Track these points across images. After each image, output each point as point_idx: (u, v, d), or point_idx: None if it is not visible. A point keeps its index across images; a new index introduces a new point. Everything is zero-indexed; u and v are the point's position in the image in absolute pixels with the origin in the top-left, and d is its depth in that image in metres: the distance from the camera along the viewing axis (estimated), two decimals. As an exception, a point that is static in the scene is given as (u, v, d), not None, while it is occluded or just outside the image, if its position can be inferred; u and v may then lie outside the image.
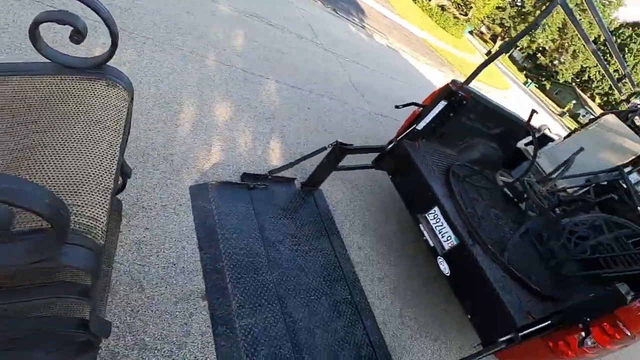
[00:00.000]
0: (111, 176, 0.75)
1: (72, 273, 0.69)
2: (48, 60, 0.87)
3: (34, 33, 0.80)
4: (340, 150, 2.39)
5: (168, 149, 2.17)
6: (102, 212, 0.68)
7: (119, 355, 1.36)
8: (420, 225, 2.29)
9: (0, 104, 0.78)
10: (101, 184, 0.72)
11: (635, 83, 3.18)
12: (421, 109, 2.47)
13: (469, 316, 1.99)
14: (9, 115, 0.77)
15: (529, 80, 39.22)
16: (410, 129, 2.48)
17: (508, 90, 17.59)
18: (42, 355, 0.94)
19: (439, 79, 9.82)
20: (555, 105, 39.33)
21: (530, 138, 3.13)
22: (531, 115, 2.50)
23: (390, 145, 2.55)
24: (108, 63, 0.93)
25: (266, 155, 2.70)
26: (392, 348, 2.12)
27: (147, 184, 1.93)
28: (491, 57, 2.33)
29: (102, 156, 0.76)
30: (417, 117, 2.47)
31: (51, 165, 0.68)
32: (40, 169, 0.69)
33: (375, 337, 2.06)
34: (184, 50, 3.03)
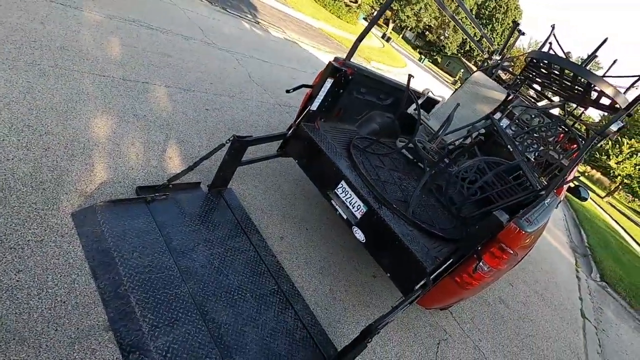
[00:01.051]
0: None
1: None
2: None
3: None
4: (239, 143, 2.33)
5: (37, 178, 1.89)
6: None
7: (2, 421, 1.15)
8: (332, 201, 2.35)
9: None
10: None
11: (493, 42, 3.65)
12: (311, 90, 2.51)
13: (388, 274, 2.12)
14: None
15: (423, 57, 42.97)
16: (305, 111, 2.51)
17: (405, 68, 19.02)
18: None
19: (341, 65, 10.17)
20: (448, 76, 43.78)
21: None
22: (409, 81, 2.71)
23: (291, 131, 2.57)
24: None
25: (164, 164, 2.52)
26: (327, 324, 2.16)
27: (13, 221, 1.66)
28: (362, 33, 2.45)
29: None
30: (310, 99, 2.51)
31: None
32: None
33: (308, 318, 2.08)
34: (42, 65, 2.65)
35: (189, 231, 2.12)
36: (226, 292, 1.92)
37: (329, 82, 2.44)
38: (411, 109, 3.42)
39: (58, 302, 1.49)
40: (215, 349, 1.64)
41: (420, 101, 3.37)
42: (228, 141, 2.31)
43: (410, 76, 2.68)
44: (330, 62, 2.40)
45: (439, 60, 48.67)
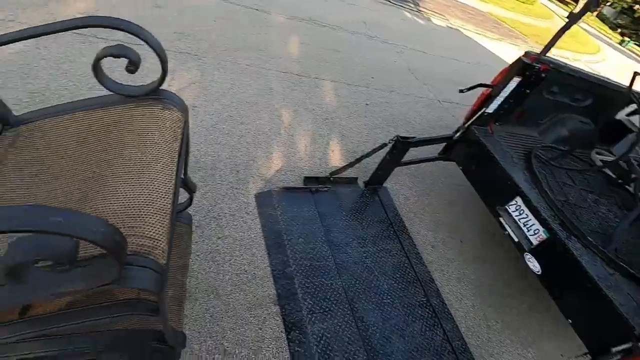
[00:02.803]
0: (169, 196, 0.78)
1: (138, 292, 0.73)
2: (110, 93, 0.94)
3: (96, 69, 0.87)
4: (402, 144, 2.27)
5: (233, 161, 2.27)
6: (162, 233, 0.71)
7: (203, 359, 1.44)
8: (500, 219, 2.05)
9: (74, 138, 0.87)
10: (159, 205, 0.75)
11: None
12: (490, 90, 2.22)
13: (570, 320, 1.73)
14: (81, 147, 0.85)
15: (626, 39, 33.49)
16: (478, 113, 2.24)
17: (598, 54, 15.23)
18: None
19: (511, 54, 8.88)
20: (664, 63, 33.01)
21: (633, 107, 2.63)
22: (633, 79, 2.08)
23: (458, 134, 2.34)
24: (163, 87, 0.98)
25: (326, 157, 2.69)
26: (479, 355, 1.94)
27: (217, 195, 2.04)
28: (573, 19, 1.99)
29: (159, 178, 0.79)
30: (487, 99, 2.23)
31: (114, 191, 0.73)
32: (107, 196, 0.74)
33: (458, 342, 1.90)
34: (242, 65, 3.16)
35: (345, 226, 2.20)
36: (376, 293, 1.92)
37: (514, 82, 2.10)
38: (621, 115, 2.67)
39: (242, 270, 1.77)
40: (363, 349, 1.66)
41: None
42: (390, 141, 2.27)
43: (636, 74, 2.06)
44: (519, 58, 2.06)
45: (652, 42, 37.05)
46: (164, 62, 0.90)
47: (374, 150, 2.28)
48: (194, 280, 1.63)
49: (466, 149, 2.33)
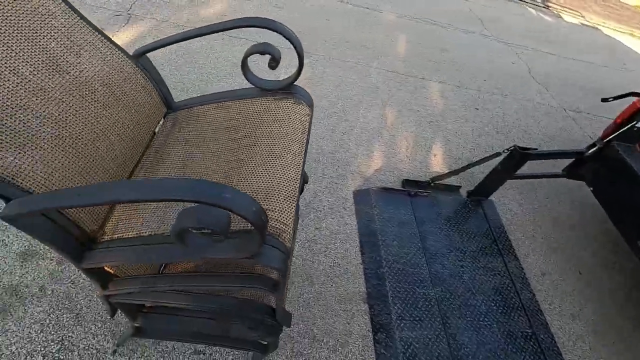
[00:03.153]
0: (296, 184, 0.84)
1: (264, 268, 0.80)
2: (251, 86, 1.04)
3: (245, 65, 0.97)
4: (519, 155, 2.04)
5: (335, 156, 2.34)
6: (290, 218, 0.76)
7: (294, 340, 1.52)
8: (643, 255, 1.71)
9: (220, 125, 0.98)
10: (289, 191, 0.80)
11: None
12: (646, 99, 1.85)
13: None
14: (226, 133, 0.96)
15: None
16: (626, 128, 1.89)
17: None
18: (237, 329, 1.14)
19: (667, 57, 7.27)
20: None
21: None
22: None
23: (594, 149, 2.01)
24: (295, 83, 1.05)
25: (428, 160, 2.57)
26: (592, 408, 1.66)
27: (318, 188, 2.12)
28: None
29: (289, 166, 0.85)
30: (638, 112, 1.86)
31: (251, 175, 0.81)
32: (245, 178, 0.82)
33: (567, 388, 1.65)
34: (350, 62, 3.22)
35: (443, 235, 2.09)
36: (472, 312, 1.78)
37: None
38: None
39: (335, 263, 1.81)
40: (453, 369, 1.56)
41: None
42: (506, 151, 2.06)
43: None
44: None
45: None
46: (301, 59, 0.96)
47: (485, 159, 2.10)
48: (292, 266, 1.73)
49: (603, 168, 1.99)
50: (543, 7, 7.26)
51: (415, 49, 3.84)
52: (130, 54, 0.98)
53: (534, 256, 2.22)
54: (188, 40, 2.78)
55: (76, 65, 0.81)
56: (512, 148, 2.04)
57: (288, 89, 1.03)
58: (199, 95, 1.14)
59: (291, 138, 0.93)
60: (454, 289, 1.85)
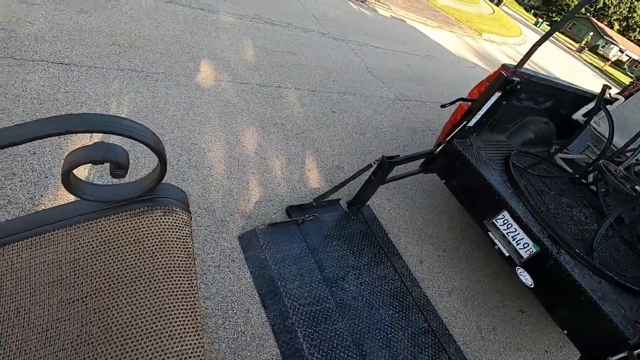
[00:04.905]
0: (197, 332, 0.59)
1: None
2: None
3: (67, 181, 0.62)
4: (388, 164, 2.17)
5: (207, 199, 2.02)
6: None
7: None
8: (488, 233, 2.07)
9: (43, 278, 0.62)
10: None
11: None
12: (470, 103, 2.20)
13: (565, 331, 1.80)
14: (56, 292, 0.61)
15: (539, 20, 36.81)
16: (460, 127, 2.22)
17: (520, 37, 16.53)
18: None
19: (453, 42, 9.26)
20: (571, 42, 37.08)
21: (588, 107, 2.81)
22: (603, 93, 2.18)
23: (440, 148, 2.31)
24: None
25: (305, 177, 2.52)
26: (481, 372, 1.96)
27: (196, 244, 1.79)
28: (543, 38, 2.02)
29: (180, 307, 0.59)
30: (467, 113, 2.21)
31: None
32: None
33: (463, 365, 1.91)
34: (198, 78, 2.83)
35: (337, 257, 2.08)
36: (380, 329, 1.84)
37: (496, 96, 2.09)
38: (578, 115, 2.83)
39: (238, 332, 1.57)
40: (380, 397, 1.58)
41: (591, 105, 2.76)
42: (376, 162, 2.17)
43: (605, 87, 2.16)
44: (500, 74, 2.05)
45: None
46: (161, 155, 0.68)
47: (360, 172, 2.16)
48: None
49: (448, 162, 2.31)
50: (361, 1, 8.11)
51: (263, 54, 3.69)
52: None
53: (411, 247, 2.47)
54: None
55: None
56: (380, 159, 2.16)
57: (151, 194, 0.73)
58: None
59: (172, 267, 0.65)
60: (359, 311, 1.87)
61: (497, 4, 26.08)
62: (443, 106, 2.17)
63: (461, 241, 2.74)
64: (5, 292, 0.60)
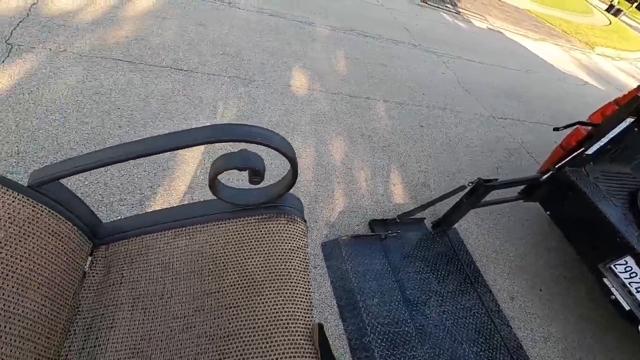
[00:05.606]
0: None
1: None
2: (210, 196, 0.76)
3: (214, 183, 0.68)
4: (484, 188, 2.02)
5: (295, 203, 2.09)
6: None
7: None
8: (604, 279, 1.79)
9: (180, 270, 0.68)
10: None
11: None
12: (590, 128, 1.94)
13: None
14: (192, 284, 0.66)
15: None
16: (576, 154, 1.97)
17: (592, 16, 14.25)
18: None
19: (558, 56, 8.36)
20: None
21: None
22: None
23: (547, 175, 2.07)
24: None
25: (389, 192, 2.46)
26: None
27: (282, 247, 1.86)
28: None
29: (297, 316, 0.60)
30: (586, 139, 1.95)
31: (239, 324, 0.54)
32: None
33: None
34: (293, 87, 2.97)
35: (419, 279, 1.98)
36: (462, 365, 1.70)
37: (627, 122, 1.81)
38: None
39: (316, 340, 1.58)
40: None
41: None
42: (470, 184, 2.03)
43: None
44: (635, 96, 1.77)
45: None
46: (294, 165, 0.71)
47: (451, 193, 2.04)
48: None
49: (557, 192, 2.06)
50: (455, 12, 7.78)
51: (355, 65, 3.73)
52: (25, 184, 0.63)
53: (501, 280, 2.25)
54: (96, 78, 2.28)
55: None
56: (476, 181, 2.01)
57: (274, 202, 0.77)
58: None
59: (293, 283, 0.67)
60: (440, 341, 1.75)
61: (615, 14, 22.90)
62: (556, 129, 1.95)
63: (562, 282, 2.41)
64: (153, 277, 0.68)
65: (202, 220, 0.72)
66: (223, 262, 0.67)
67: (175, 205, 1.53)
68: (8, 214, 0.58)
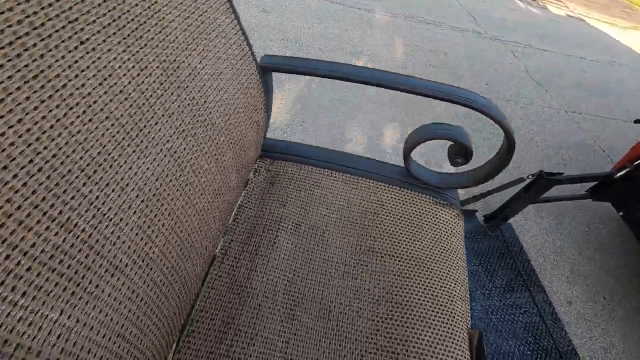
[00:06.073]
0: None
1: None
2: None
3: (408, 155, 0.75)
4: (546, 181, 1.89)
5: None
6: None
7: None
8: (683, 291, 1.60)
9: (348, 217, 0.70)
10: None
11: None
12: (682, 121, 1.72)
13: None
14: (358, 236, 0.68)
15: None
16: (659, 150, 1.77)
17: None
18: None
19: (650, 47, 7.35)
20: None
21: None
22: None
23: (623, 172, 1.89)
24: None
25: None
26: None
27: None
28: None
29: (457, 310, 0.64)
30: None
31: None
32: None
33: None
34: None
35: (469, 272, 1.93)
36: (507, 362, 1.64)
37: None
38: None
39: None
40: None
41: None
42: (531, 176, 1.91)
43: None
44: None
45: None
46: (511, 143, 0.75)
47: (508, 185, 1.94)
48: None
49: (632, 192, 1.87)
50: (529, -2, 7.17)
51: (414, 53, 3.64)
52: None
53: (558, 283, 2.10)
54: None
55: (196, 76, 0.50)
56: (537, 174, 1.89)
57: (446, 191, 0.81)
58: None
59: (456, 280, 0.70)
60: (486, 336, 1.70)
61: None
62: (637, 122, 1.76)
63: (631, 292, 2.19)
64: (317, 211, 0.67)
65: (371, 176, 0.76)
66: (393, 228, 0.68)
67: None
68: (240, 90, 0.62)
